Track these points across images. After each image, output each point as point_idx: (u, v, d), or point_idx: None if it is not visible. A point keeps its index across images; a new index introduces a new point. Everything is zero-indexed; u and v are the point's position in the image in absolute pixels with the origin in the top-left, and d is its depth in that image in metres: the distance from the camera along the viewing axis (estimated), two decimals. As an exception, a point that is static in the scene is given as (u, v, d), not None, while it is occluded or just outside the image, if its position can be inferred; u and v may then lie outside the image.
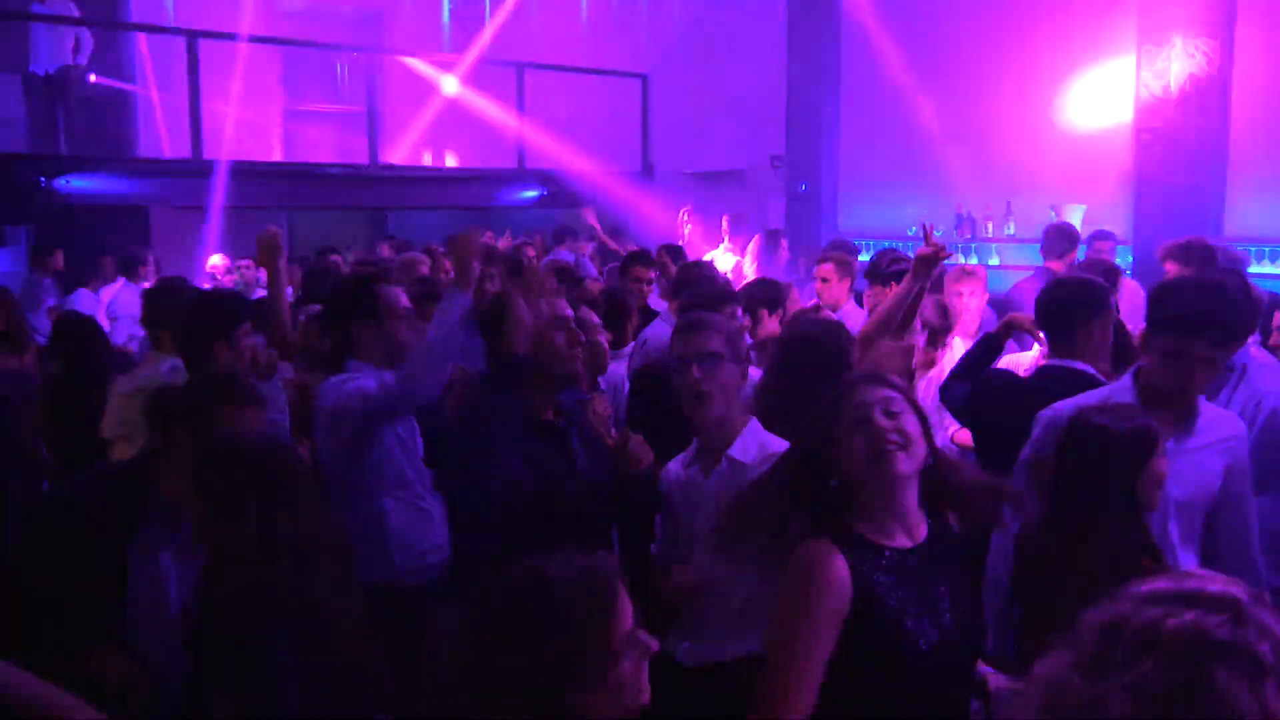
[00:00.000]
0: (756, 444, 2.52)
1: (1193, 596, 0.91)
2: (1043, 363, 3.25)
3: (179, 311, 3.47)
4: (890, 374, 2.09)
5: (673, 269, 5.45)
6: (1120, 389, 2.69)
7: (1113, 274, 4.52)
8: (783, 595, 1.94)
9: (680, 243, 7.37)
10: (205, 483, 2.14)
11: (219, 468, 2.14)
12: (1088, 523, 2.28)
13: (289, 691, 2.00)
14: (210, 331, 3.26)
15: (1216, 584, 0.93)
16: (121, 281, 7.58)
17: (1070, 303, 3.16)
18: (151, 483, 2.54)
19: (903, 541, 1.96)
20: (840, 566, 1.89)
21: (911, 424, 1.95)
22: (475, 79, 11.35)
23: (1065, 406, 2.66)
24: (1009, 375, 3.47)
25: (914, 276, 3.39)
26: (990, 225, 8.74)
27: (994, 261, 8.50)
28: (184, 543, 2.52)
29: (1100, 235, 6.52)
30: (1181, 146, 7.35)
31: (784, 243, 7.24)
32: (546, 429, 2.68)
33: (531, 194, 11.18)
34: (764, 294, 4.24)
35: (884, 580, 1.90)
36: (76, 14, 9.19)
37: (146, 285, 7.33)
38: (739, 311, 3.86)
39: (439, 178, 11.08)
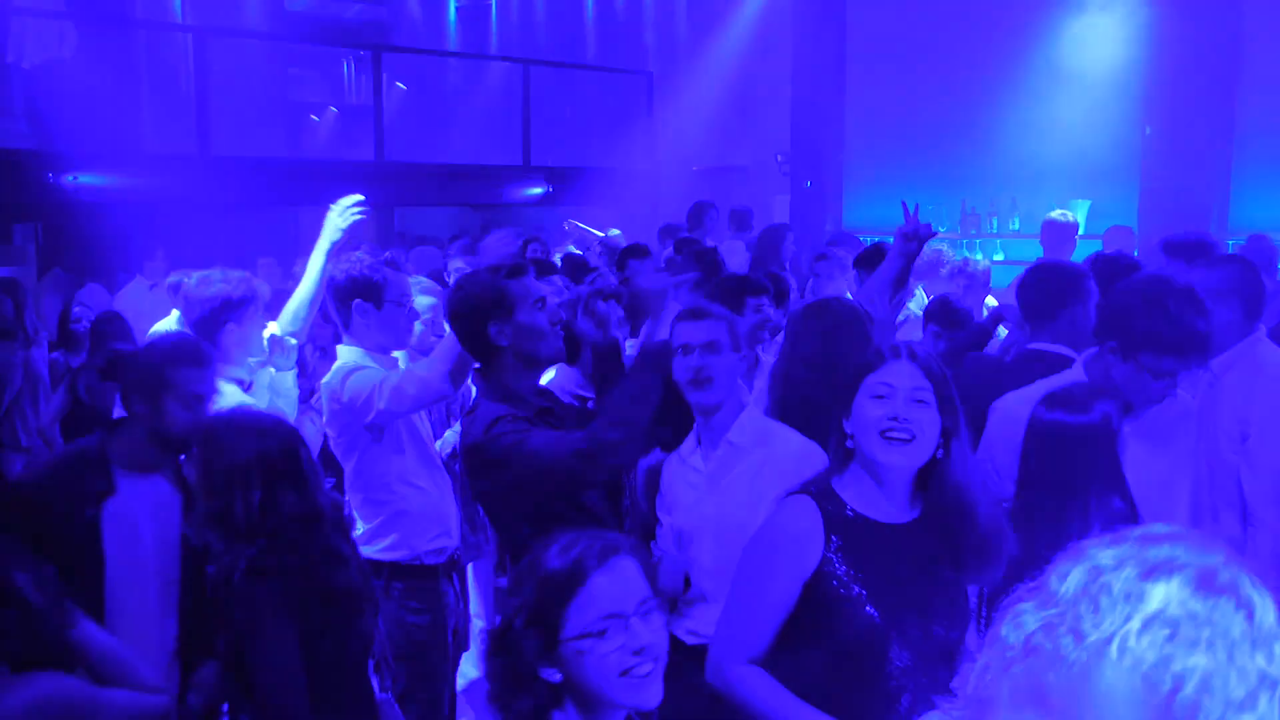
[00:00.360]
0: (753, 428, 2.55)
1: (1171, 554, 0.91)
2: (1025, 347, 3.26)
3: (191, 295, 3.48)
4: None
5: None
6: (1073, 376, 2.68)
7: (1133, 268, 4.52)
8: (757, 539, 1.98)
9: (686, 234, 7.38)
10: (210, 458, 2.19)
11: (224, 443, 2.19)
12: (1060, 519, 2.23)
13: (290, 662, 2.04)
14: (219, 313, 3.28)
15: (1187, 540, 0.94)
16: (136, 277, 7.63)
17: (1052, 288, 3.17)
18: (114, 455, 2.54)
19: (888, 517, 1.97)
20: (815, 528, 1.91)
21: (931, 419, 1.93)
22: (481, 75, 11.39)
23: (1014, 398, 2.65)
24: (990, 358, 3.49)
25: (897, 254, 3.39)
26: (995, 220, 8.74)
27: (999, 257, 8.50)
28: (156, 509, 2.54)
29: (1120, 230, 6.55)
30: (1187, 140, 7.34)
31: (789, 236, 7.24)
32: (539, 412, 2.65)
33: (537, 190, 11.20)
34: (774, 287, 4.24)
35: (851, 549, 1.91)
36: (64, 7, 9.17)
37: (152, 281, 7.38)
38: (765, 302, 3.82)
39: (445, 174, 11.10)
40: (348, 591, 2.21)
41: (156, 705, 1.86)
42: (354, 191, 3.82)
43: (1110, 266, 3.89)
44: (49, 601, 1.82)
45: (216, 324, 3.28)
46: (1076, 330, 3.09)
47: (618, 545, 1.53)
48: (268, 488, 2.13)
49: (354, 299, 3.29)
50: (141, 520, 2.55)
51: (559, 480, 2.44)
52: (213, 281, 3.37)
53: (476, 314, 2.62)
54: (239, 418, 2.34)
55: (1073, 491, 2.22)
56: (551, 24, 12.96)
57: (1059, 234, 5.63)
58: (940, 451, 1.96)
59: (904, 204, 3.48)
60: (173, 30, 10.67)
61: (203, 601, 2.32)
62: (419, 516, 3.28)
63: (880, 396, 1.93)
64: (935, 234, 3.54)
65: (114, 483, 2.52)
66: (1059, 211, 5.88)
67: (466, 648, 3.77)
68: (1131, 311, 2.53)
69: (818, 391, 2.59)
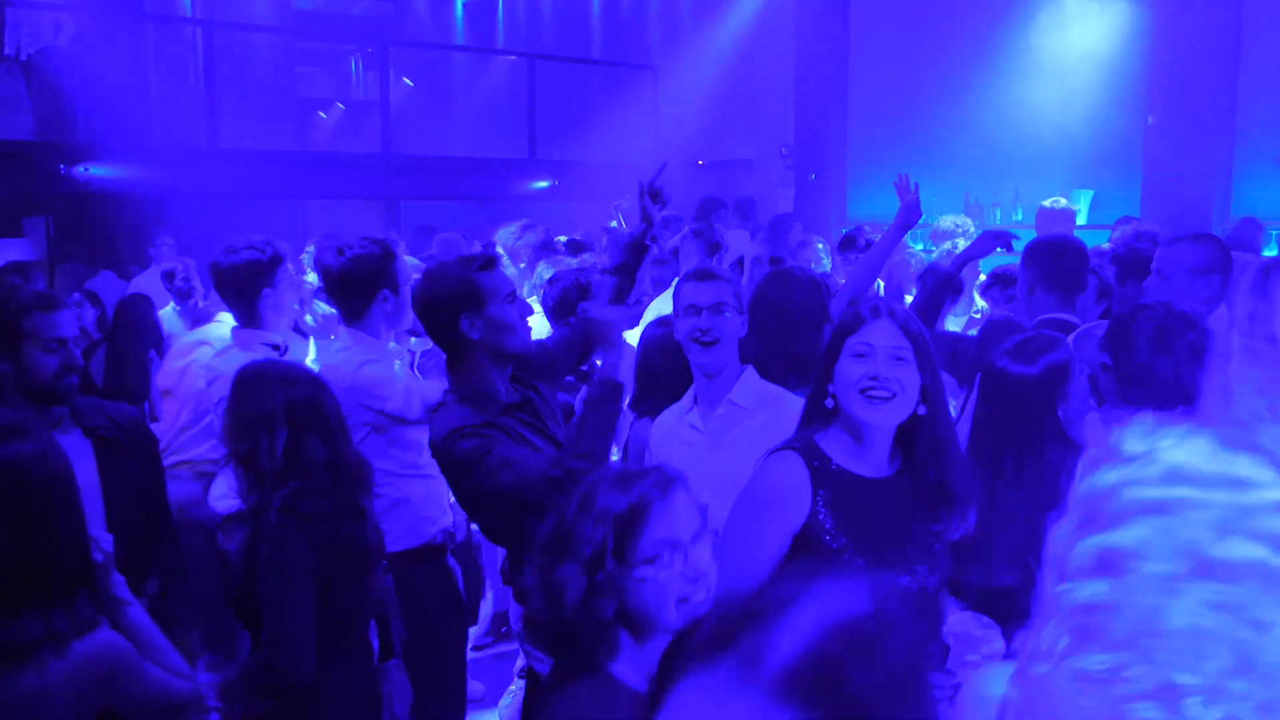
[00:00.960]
0: (755, 390, 2.61)
1: None
2: (1042, 316, 3.35)
3: (222, 268, 3.41)
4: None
5: None
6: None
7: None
8: (748, 494, 2.04)
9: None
10: (238, 403, 2.27)
11: (251, 389, 2.27)
12: (1011, 464, 2.30)
13: (306, 606, 2.10)
14: (253, 282, 3.28)
15: None
16: (151, 266, 7.71)
17: (1068, 260, 3.35)
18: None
19: (870, 471, 2.03)
20: (804, 482, 1.97)
21: (910, 376, 1.97)
22: (487, 70, 11.45)
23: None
24: (1013, 324, 3.56)
25: (896, 229, 3.52)
26: (998, 211, 8.78)
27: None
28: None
29: (1127, 222, 6.60)
30: (1189, 129, 7.38)
31: (796, 225, 7.31)
32: (509, 409, 2.63)
33: (543, 184, 11.27)
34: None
35: (837, 503, 1.97)
36: None
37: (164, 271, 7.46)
38: None
39: (451, 167, 11.17)
40: (363, 546, 2.27)
41: (184, 690, 1.92)
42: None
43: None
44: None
45: (253, 292, 3.28)
46: (1085, 301, 3.39)
47: (673, 478, 1.60)
48: (292, 434, 2.20)
49: (381, 288, 3.17)
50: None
51: (522, 500, 2.40)
52: (240, 251, 3.34)
53: (448, 308, 2.61)
54: (268, 367, 2.42)
55: (1010, 439, 2.31)
56: (557, 19, 13.04)
57: (1054, 222, 5.69)
58: (920, 408, 2.00)
59: (903, 177, 3.57)
60: (182, 24, 10.76)
61: (132, 545, 2.35)
62: (418, 503, 3.22)
63: (861, 355, 1.98)
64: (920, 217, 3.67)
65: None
66: (1050, 200, 5.95)
67: (474, 622, 3.81)
68: (1136, 351, 2.53)
69: (773, 349, 2.75)
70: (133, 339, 4.67)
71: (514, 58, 12.33)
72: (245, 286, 3.29)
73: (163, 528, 2.81)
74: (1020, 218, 8.62)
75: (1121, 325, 2.59)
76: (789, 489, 1.97)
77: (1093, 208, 8.00)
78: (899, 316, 2.02)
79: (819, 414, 2.06)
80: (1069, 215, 5.83)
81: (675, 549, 1.53)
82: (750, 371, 2.64)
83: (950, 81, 8.79)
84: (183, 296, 6.25)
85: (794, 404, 2.53)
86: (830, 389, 2.02)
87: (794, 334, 2.86)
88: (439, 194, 11.53)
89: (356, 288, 3.21)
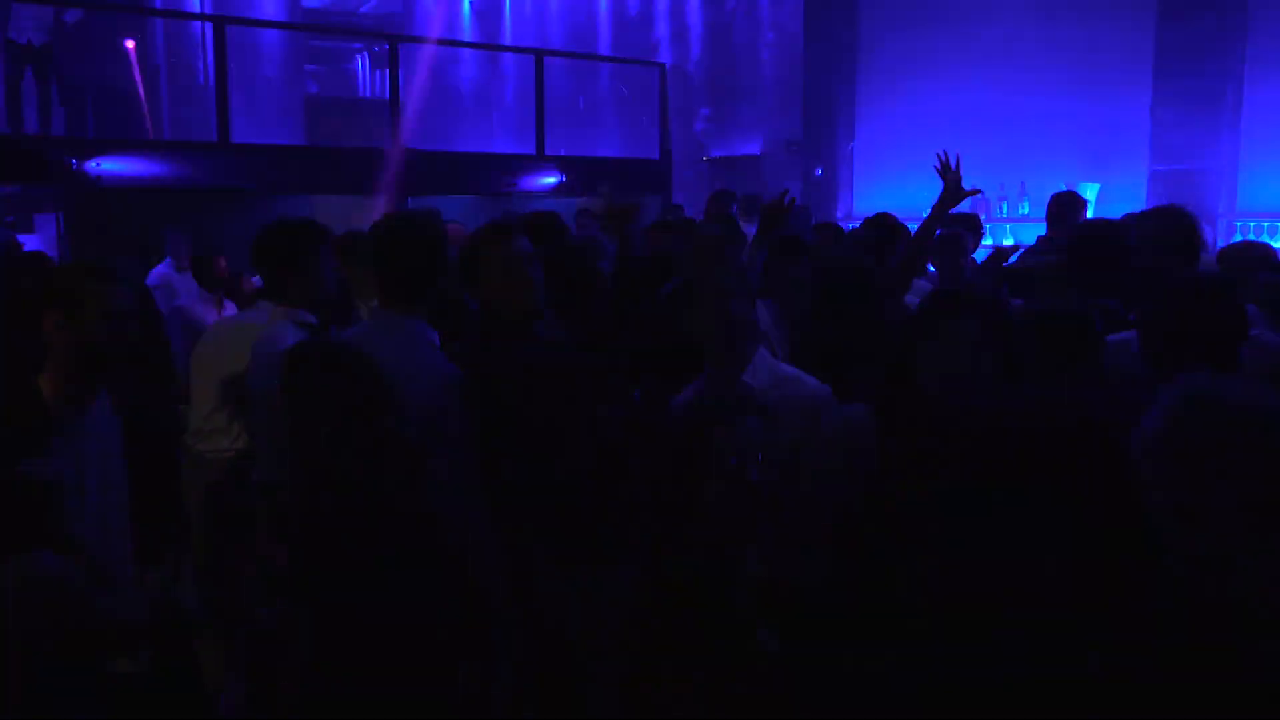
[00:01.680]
0: (767, 369, 2.64)
1: None
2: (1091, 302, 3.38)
3: (260, 237, 3.32)
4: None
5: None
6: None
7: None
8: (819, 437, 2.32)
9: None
10: (290, 383, 2.29)
11: (306, 366, 2.29)
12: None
13: (361, 583, 2.11)
14: (285, 252, 3.24)
15: None
16: (167, 261, 7.77)
17: (1109, 247, 3.39)
18: (47, 395, 2.44)
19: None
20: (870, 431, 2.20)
21: (987, 362, 2.11)
22: (495, 66, 11.48)
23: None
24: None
25: (940, 206, 3.56)
26: (1005, 205, 8.81)
27: (1009, 241, 8.55)
28: (99, 439, 2.50)
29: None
30: (1195, 123, 7.40)
31: (810, 219, 7.37)
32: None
33: (550, 180, 11.30)
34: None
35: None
36: None
37: (180, 264, 7.54)
38: None
39: (458, 164, 11.21)
40: (411, 529, 2.24)
41: (136, 621, 1.92)
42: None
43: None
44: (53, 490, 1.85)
45: (286, 270, 3.24)
46: (1124, 288, 3.34)
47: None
48: (342, 415, 2.21)
49: (442, 263, 2.81)
50: (87, 455, 2.48)
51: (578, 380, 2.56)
52: (274, 232, 3.31)
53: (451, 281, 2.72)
54: (316, 344, 2.43)
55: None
56: (564, 16, 13.07)
57: (1062, 210, 5.66)
58: (996, 383, 2.13)
59: (940, 155, 3.59)
60: (192, 19, 10.83)
61: (155, 516, 2.38)
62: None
63: (941, 341, 2.12)
64: (979, 191, 3.69)
65: (52, 424, 2.41)
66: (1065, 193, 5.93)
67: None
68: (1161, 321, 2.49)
69: (833, 336, 2.89)
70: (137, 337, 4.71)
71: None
72: (278, 258, 3.27)
73: (175, 506, 2.85)
74: (1027, 211, 8.65)
75: (1145, 297, 2.62)
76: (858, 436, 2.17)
77: (1099, 201, 8.01)
78: (977, 304, 2.16)
79: (899, 382, 2.21)
80: (1080, 204, 5.81)
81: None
82: (762, 352, 2.68)
83: (956, 77, 8.81)
84: (222, 286, 6.39)
85: (808, 385, 2.59)
86: (912, 369, 2.16)
87: (842, 318, 2.94)
88: (447, 189, 11.58)
89: (424, 265, 2.81)
